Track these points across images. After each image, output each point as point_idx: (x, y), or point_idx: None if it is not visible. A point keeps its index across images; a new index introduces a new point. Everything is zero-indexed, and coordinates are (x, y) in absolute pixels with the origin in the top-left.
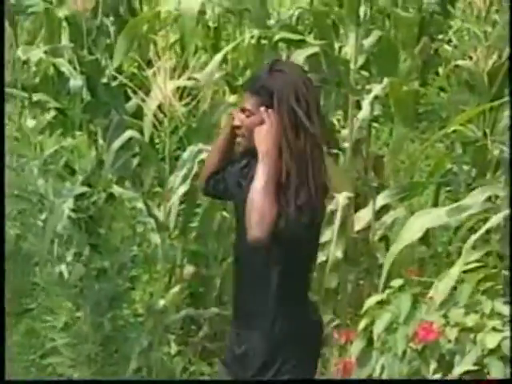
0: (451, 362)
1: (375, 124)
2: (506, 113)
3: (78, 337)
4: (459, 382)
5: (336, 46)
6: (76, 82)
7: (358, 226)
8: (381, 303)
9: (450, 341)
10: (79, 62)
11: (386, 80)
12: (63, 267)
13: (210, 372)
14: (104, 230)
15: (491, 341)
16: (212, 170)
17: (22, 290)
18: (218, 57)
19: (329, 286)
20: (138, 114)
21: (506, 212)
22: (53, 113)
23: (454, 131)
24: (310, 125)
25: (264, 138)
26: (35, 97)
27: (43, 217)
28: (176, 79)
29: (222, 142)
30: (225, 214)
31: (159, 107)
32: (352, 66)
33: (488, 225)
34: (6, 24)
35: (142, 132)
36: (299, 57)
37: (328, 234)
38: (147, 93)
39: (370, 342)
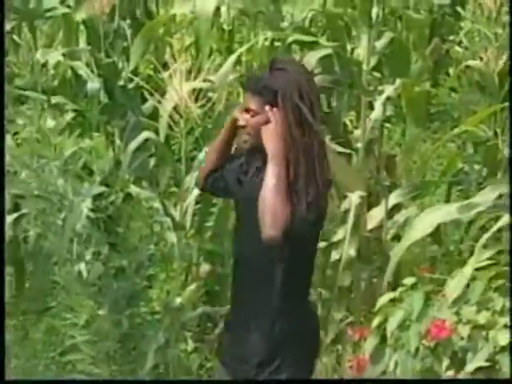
0: (463, 359)
1: (387, 124)
2: None
3: (97, 334)
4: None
5: (348, 47)
6: (93, 84)
7: (370, 225)
8: (394, 301)
9: (462, 338)
10: (96, 64)
11: (398, 81)
12: (82, 266)
13: None
14: (122, 229)
15: (503, 338)
16: (211, 168)
17: (42, 288)
18: (232, 58)
19: (342, 284)
20: (154, 115)
21: None
22: (71, 115)
23: (466, 131)
24: (314, 121)
25: (272, 137)
26: (54, 99)
27: (62, 216)
28: (191, 81)
29: (221, 141)
30: None
31: (175, 109)
32: (364, 67)
33: (500, 223)
34: (25, 29)
35: (157, 133)
36: (312, 58)
37: (341, 233)
38: (163, 95)
39: (383, 339)
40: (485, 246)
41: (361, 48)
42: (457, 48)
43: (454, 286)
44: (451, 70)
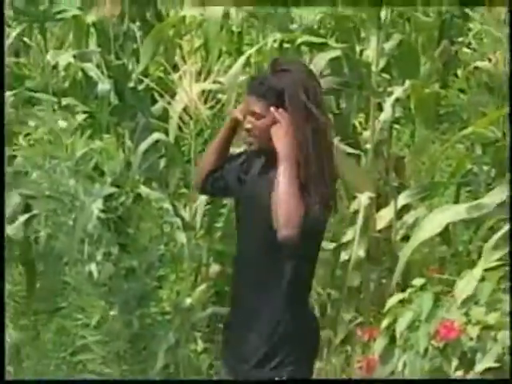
0: (473, 360)
1: (396, 126)
2: None
3: (108, 334)
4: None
5: (357, 49)
6: (104, 86)
7: (379, 226)
8: (403, 302)
9: (471, 338)
10: (107, 66)
11: (407, 82)
12: (93, 266)
13: None
14: (132, 229)
15: None
16: (210, 169)
17: (52, 289)
18: (241, 60)
19: (351, 285)
20: (164, 116)
21: None
22: (82, 116)
23: (474, 132)
24: (322, 118)
25: (282, 138)
26: (64, 101)
27: (73, 217)
28: (201, 83)
29: (221, 141)
30: None
31: (185, 110)
32: (373, 68)
33: (509, 224)
34: (36, 31)
35: (167, 134)
36: (321, 60)
37: (350, 234)
38: (173, 96)
39: (392, 339)
40: (494, 247)
41: (370, 49)
42: (465, 49)
43: (463, 286)
44: (460, 72)
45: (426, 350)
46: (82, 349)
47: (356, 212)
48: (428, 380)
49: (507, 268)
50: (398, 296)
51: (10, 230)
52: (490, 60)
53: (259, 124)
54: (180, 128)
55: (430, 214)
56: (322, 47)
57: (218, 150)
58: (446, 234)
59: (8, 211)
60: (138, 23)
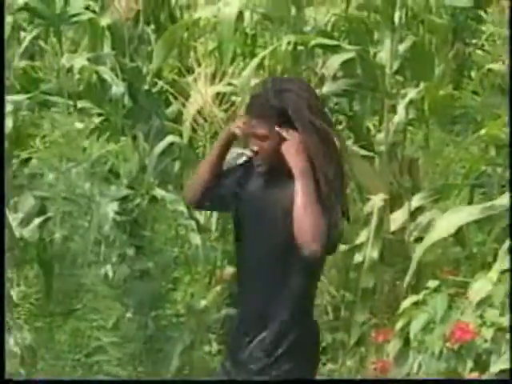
0: (487, 361)
1: (410, 128)
2: None
3: (123, 336)
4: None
5: (371, 51)
6: (118, 88)
7: (393, 227)
8: (417, 304)
9: (486, 340)
10: (121, 69)
11: (421, 84)
12: (108, 268)
13: None
14: (147, 231)
15: None
16: (206, 185)
17: (68, 290)
18: (254, 62)
19: (365, 287)
20: (178, 119)
21: None
22: (96, 119)
23: (488, 134)
24: (328, 130)
25: (295, 156)
26: (79, 104)
27: (89, 219)
28: (215, 85)
29: (216, 157)
30: None
31: (199, 112)
32: (387, 70)
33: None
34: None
35: (181, 137)
36: (335, 62)
37: (364, 235)
38: (187, 98)
39: (406, 341)
40: (509, 249)
41: (383, 52)
42: (479, 51)
43: (478, 288)
44: (473, 74)
45: (441, 351)
46: (97, 350)
47: (370, 214)
48: (428, 380)
49: None
50: (412, 298)
51: (25, 232)
52: (503, 62)
53: (266, 146)
54: (194, 130)
55: (443, 214)
56: (336, 49)
57: (213, 165)
58: (460, 236)
59: (23, 213)
60: (152, 26)
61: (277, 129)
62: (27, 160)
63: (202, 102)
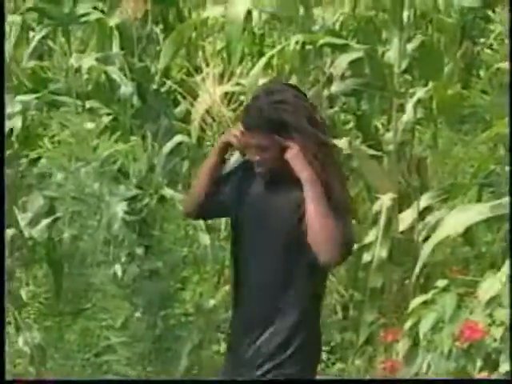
0: (497, 361)
1: (418, 127)
2: None
3: (132, 335)
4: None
5: (379, 50)
6: (127, 88)
7: (402, 227)
8: (426, 303)
9: (495, 340)
10: (130, 69)
11: (430, 83)
12: (117, 268)
13: None
14: (156, 231)
15: None
16: (207, 194)
17: (77, 290)
18: (262, 62)
19: (374, 286)
20: (187, 118)
21: None
22: (105, 118)
23: (497, 133)
24: (325, 136)
25: (301, 165)
26: (88, 103)
27: (98, 218)
28: (224, 85)
29: (213, 166)
30: None
31: (207, 112)
32: (396, 69)
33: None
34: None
35: (190, 136)
36: (343, 61)
37: (373, 235)
38: (195, 98)
39: (415, 340)
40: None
41: (392, 51)
42: (487, 51)
43: (487, 288)
44: (482, 73)
45: (450, 351)
46: (106, 350)
47: (378, 213)
48: (426, 380)
49: None
50: (422, 297)
51: (34, 231)
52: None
53: (267, 156)
54: (203, 129)
55: (451, 212)
56: (344, 48)
57: (211, 175)
58: (468, 235)
59: (32, 213)
60: (160, 26)
61: (277, 138)
62: (36, 160)
63: (210, 102)
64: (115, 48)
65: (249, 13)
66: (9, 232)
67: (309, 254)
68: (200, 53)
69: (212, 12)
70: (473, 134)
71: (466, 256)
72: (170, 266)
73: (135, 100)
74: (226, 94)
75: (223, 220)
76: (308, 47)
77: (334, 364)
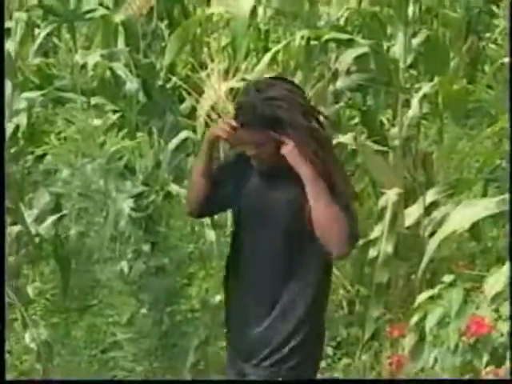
0: (503, 355)
1: (424, 122)
2: None
3: (138, 331)
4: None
5: (385, 45)
6: (132, 84)
7: (407, 222)
8: (432, 298)
9: (502, 334)
10: (135, 65)
11: (436, 78)
12: (124, 264)
13: None
14: (162, 227)
15: None
16: (205, 192)
17: (83, 286)
18: (268, 57)
19: (380, 281)
20: (192, 114)
21: None
22: (110, 115)
23: (502, 128)
24: (323, 128)
25: (299, 160)
26: (93, 100)
27: (104, 215)
28: (229, 80)
29: (206, 164)
30: None
31: (212, 108)
32: (401, 64)
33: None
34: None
35: (195, 132)
36: (348, 57)
37: (378, 230)
38: (200, 94)
39: (422, 336)
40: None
41: (397, 46)
42: (492, 45)
43: (493, 283)
44: (487, 67)
45: (457, 346)
46: (112, 346)
47: (384, 208)
48: (428, 380)
49: None
50: (428, 292)
51: (40, 228)
52: None
53: (263, 151)
54: (208, 125)
55: (457, 207)
56: (350, 44)
57: (205, 172)
58: (475, 230)
59: (38, 209)
60: (165, 22)
61: (272, 134)
62: (42, 156)
63: (215, 98)
64: (120, 44)
65: (254, 8)
66: (15, 229)
67: (309, 245)
68: (205, 49)
69: (217, 8)
70: (478, 128)
71: (472, 251)
72: (176, 262)
73: (141, 96)
74: (232, 89)
75: (229, 216)
76: (313, 43)
77: (340, 359)
